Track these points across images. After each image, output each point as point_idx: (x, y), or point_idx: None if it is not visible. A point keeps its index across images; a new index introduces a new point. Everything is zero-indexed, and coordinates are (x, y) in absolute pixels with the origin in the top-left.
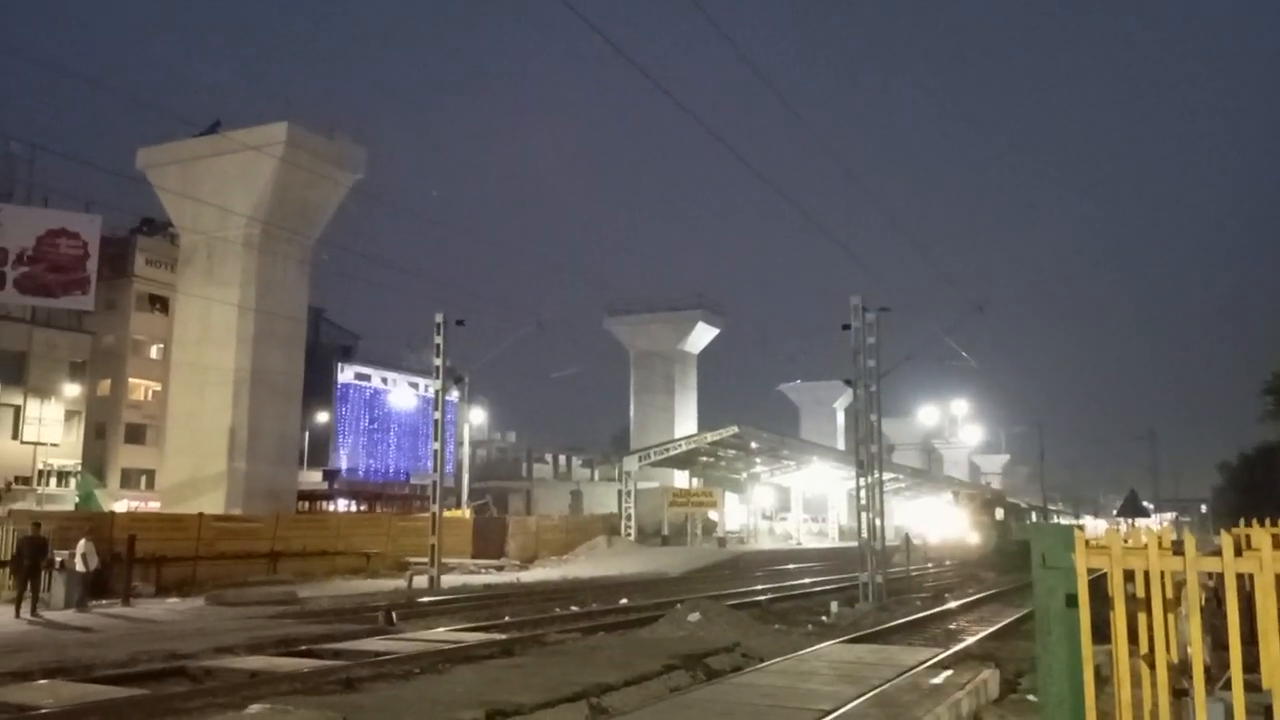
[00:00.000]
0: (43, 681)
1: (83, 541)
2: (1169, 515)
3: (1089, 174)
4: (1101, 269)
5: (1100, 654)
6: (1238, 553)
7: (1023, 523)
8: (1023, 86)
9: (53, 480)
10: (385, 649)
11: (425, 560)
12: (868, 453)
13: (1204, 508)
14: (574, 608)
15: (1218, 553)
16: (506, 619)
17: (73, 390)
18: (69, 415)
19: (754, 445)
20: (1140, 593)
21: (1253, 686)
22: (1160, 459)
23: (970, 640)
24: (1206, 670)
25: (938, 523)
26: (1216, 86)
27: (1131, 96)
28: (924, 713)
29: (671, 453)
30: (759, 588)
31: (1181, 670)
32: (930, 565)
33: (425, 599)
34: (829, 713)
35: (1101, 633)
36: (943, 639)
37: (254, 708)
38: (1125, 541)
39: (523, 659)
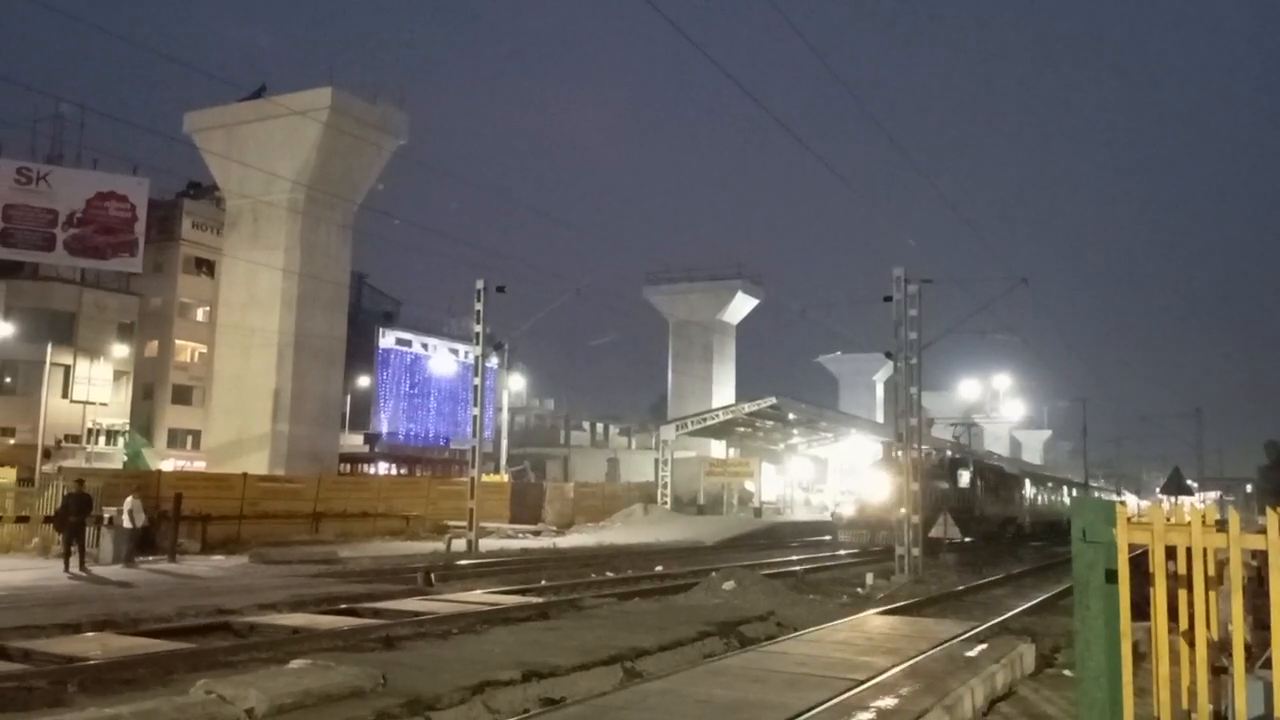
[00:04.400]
0: (91, 634)
1: (130, 499)
2: (1213, 494)
3: (1138, 146)
4: (1149, 243)
5: (1138, 630)
6: None
7: (1006, 495)
8: (1068, 56)
9: (101, 439)
10: (424, 609)
11: (464, 524)
12: (907, 426)
13: (1249, 487)
14: (610, 573)
15: (1262, 531)
16: (543, 583)
17: (121, 351)
18: (117, 375)
19: (792, 416)
20: (1181, 570)
21: None
22: (1206, 437)
23: (1007, 614)
24: (1247, 649)
25: (865, 489)
26: (1262, 62)
27: (1179, 67)
28: (958, 684)
29: (709, 422)
30: (794, 558)
31: (1221, 648)
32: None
33: (463, 562)
34: (863, 682)
35: (1140, 609)
36: (979, 612)
37: (296, 663)
38: (1168, 518)
39: (559, 622)
